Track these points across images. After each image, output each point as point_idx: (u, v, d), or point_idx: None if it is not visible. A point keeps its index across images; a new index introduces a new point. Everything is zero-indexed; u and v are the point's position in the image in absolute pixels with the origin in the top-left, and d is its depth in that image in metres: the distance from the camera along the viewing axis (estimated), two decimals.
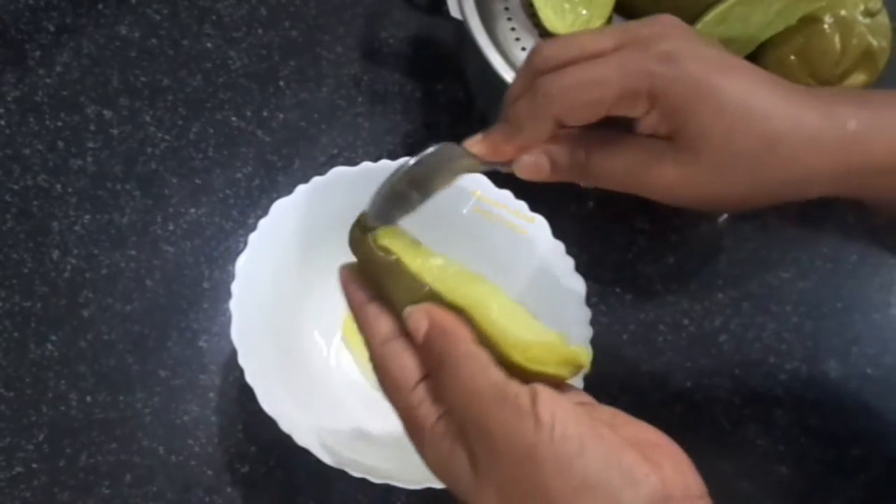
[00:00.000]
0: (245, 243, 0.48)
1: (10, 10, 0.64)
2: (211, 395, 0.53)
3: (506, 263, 0.52)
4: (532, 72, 0.37)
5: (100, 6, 0.65)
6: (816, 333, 0.58)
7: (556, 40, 0.37)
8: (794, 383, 0.56)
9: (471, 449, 0.32)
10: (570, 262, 0.51)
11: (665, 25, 0.36)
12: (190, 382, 0.53)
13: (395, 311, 0.35)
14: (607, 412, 0.33)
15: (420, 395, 0.33)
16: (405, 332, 0.34)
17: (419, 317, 0.33)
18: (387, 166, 0.52)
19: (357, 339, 0.53)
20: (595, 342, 0.48)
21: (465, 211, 0.52)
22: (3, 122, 0.60)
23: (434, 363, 0.33)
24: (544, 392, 0.31)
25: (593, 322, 0.49)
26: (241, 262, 0.48)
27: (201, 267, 0.57)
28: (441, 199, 0.52)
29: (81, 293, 0.55)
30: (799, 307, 0.59)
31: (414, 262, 0.35)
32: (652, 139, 0.36)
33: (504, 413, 0.31)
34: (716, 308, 0.58)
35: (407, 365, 0.34)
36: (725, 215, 0.62)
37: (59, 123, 0.61)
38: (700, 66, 0.34)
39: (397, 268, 0.34)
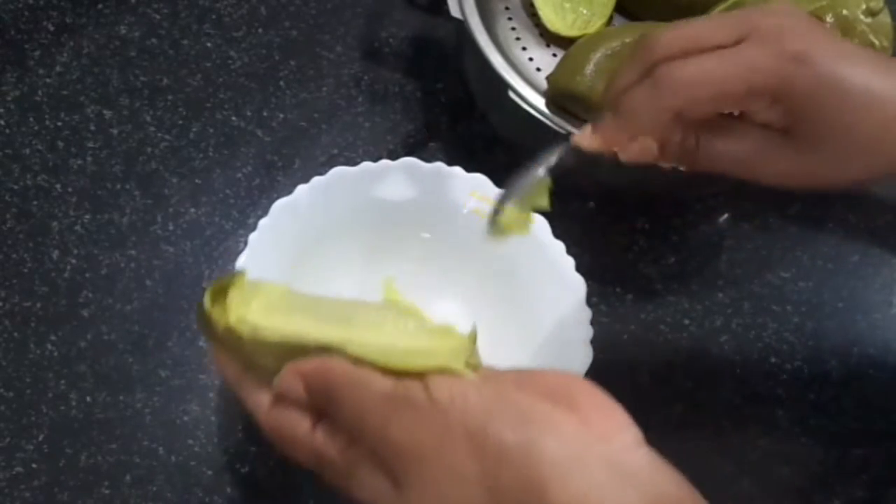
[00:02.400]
0: (245, 243, 0.48)
1: (10, 9, 0.64)
2: (211, 395, 0.53)
3: (505, 264, 0.52)
4: (649, 60, 0.35)
5: (100, 6, 0.65)
6: (817, 333, 0.58)
7: (671, 30, 0.35)
8: (795, 383, 0.56)
9: (386, 467, 0.30)
10: (570, 262, 0.51)
11: (786, 16, 0.35)
12: (190, 382, 0.53)
13: (268, 377, 0.34)
14: (512, 373, 0.31)
15: (320, 438, 0.32)
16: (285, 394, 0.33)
17: (290, 379, 0.32)
18: (387, 166, 0.52)
19: None
20: (595, 342, 0.48)
21: (464, 211, 0.52)
22: (3, 122, 0.60)
23: (322, 403, 0.32)
24: (436, 378, 0.30)
25: (593, 322, 0.49)
26: (241, 262, 0.48)
27: (201, 267, 0.57)
28: (441, 200, 0.53)
29: (81, 293, 0.55)
30: (800, 307, 0.59)
31: (268, 321, 0.34)
32: (765, 129, 0.35)
33: (402, 416, 0.29)
34: (716, 308, 0.58)
35: (296, 418, 0.32)
36: (727, 215, 0.62)
37: (59, 123, 0.61)
38: (828, 64, 0.34)
39: (248, 344, 0.34)
